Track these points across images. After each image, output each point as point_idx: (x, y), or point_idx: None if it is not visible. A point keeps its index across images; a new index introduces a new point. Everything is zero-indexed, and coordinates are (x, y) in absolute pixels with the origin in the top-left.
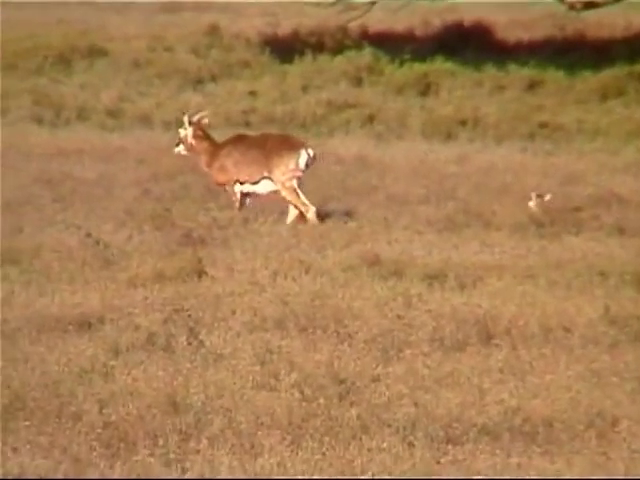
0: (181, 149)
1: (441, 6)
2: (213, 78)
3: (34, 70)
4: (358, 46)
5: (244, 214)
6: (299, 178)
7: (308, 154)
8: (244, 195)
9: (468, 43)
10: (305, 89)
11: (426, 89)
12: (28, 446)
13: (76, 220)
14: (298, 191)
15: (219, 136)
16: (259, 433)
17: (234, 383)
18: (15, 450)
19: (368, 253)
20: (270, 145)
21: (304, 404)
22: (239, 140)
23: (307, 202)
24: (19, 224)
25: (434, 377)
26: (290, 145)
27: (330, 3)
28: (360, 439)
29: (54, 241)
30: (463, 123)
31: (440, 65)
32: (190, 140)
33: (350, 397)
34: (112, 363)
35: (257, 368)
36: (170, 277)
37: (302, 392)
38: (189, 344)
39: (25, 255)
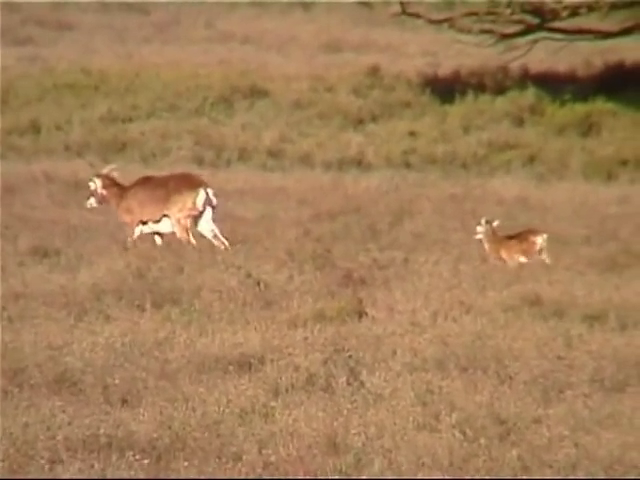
0: (92, 202)
1: (602, 46)
2: (374, 118)
3: (195, 111)
4: (519, 86)
5: (405, 255)
6: (195, 217)
7: (207, 193)
8: (153, 234)
9: (629, 83)
10: (466, 129)
11: (587, 129)
12: None
13: (236, 260)
14: (189, 231)
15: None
16: (420, 474)
17: (394, 423)
18: None
19: (529, 293)
20: (172, 184)
21: (465, 444)
22: (145, 181)
23: (194, 242)
24: (179, 264)
25: (595, 418)
26: (189, 184)
27: (491, 43)
28: None
29: (214, 281)
30: (624, 163)
31: (601, 105)
32: (100, 191)
33: (511, 438)
34: (272, 404)
35: (418, 409)
36: (330, 317)
37: (463, 432)
38: (349, 385)
39: (186, 295)
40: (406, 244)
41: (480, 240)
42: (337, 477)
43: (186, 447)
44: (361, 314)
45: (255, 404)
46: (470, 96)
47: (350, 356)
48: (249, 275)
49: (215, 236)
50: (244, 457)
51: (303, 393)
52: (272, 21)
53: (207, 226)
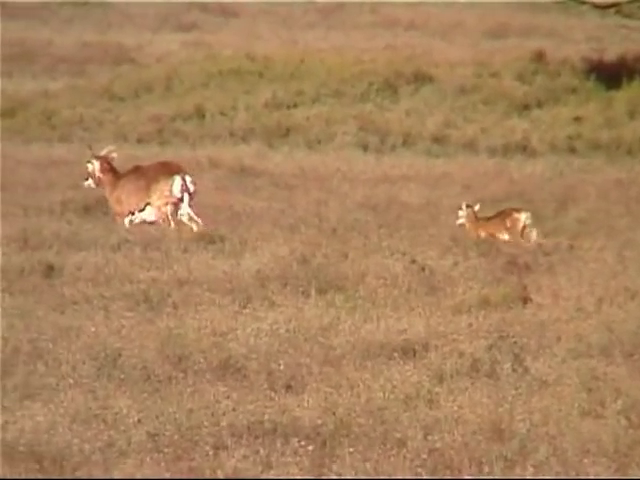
0: (90, 183)
1: None
2: (539, 104)
3: (360, 96)
4: None
5: (570, 241)
6: (175, 205)
7: (183, 180)
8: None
9: None
10: (631, 115)
11: None
12: (353, 472)
13: (401, 246)
14: (170, 219)
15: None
16: (585, 461)
17: (559, 410)
18: (340, 475)
19: None
20: (151, 172)
21: (630, 431)
22: (133, 171)
23: (173, 227)
24: (344, 250)
25: None
26: (165, 171)
27: None
28: None
29: (379, 267)
30: None
31: None
32: (98, 174)
33: None
34: (437, 390)
35: (582, 395)
36: (495, 303)
37: (628, 419)
38: (514, 371)
39: (350, 281)
40: (571, 230)
41: (462, 224)
42: (502, 463)
43: (351, 433)
44: (526, 300)
45: (420, 390)
46: (636, 82)
47: (515, 342)
48: (414, 261)
49: (190, 219)
50: (409, 443)
51: (468, 379)
52: (437, 6)
53: (184, 211)
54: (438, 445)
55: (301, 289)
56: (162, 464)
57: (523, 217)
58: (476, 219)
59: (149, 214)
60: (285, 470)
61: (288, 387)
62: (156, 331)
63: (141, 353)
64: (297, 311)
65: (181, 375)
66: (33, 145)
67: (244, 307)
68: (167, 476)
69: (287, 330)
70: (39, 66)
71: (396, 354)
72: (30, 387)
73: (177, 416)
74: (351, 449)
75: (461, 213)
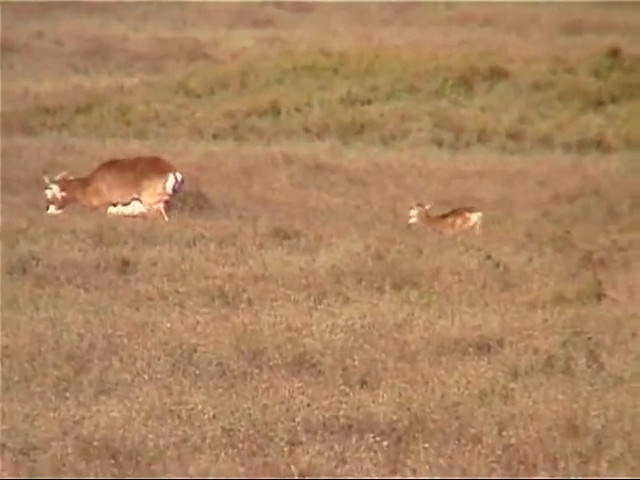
0: (53, 210)
1: None
2: (614, 100)
3: (435, 92)
4: None
5: None
6: (166, 202)
7: (176, 178)
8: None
9: None
10: None
11: None
12: (427, 468)
13: (476, 242)
14: (164, 214)
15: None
16: None
17: (634, 406)
18: (414, 471)
19: None
20: (140, 168)
21: None
22: (110, 165)
23: (167, 219)
24: (419, 246)
25: None
26: (159, 169)
27: None
28: None
29: (454, 263)
30: None
31: None
32: (59, 195)
33: None
34: (512, 386)
35: None
36: (570, 300)
37: None
38: (589, 367)
39: (425, 277)
40: None
41: (414, 223)
42: (576, 459)
43: (425, 429)
44: (601, 296)
45: (494, 386)
46: None
47: (590, 338)
48: (488, 257)
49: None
50: (483, 439)
51: (542, 375)
52: (512, 2)
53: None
54: (513, 441)
55: (376, 285)
56: (237, 460)
57: (474, 217)
58: (427, 218)
59: (134, 208)
60: (360, 466)
61: (363, 383)
62: (231, 327)
63: (216, 349)
64: (372, 307)
65: (256, 371)
66: (108, 141)
67: (319, 303)
68: (242, 472)
69: (362, 326)
70: (114, 62)
71: (471, 350)
72: (105, 383)
73: (252, 412)
74: (426, 445)
75: (412, 212)
